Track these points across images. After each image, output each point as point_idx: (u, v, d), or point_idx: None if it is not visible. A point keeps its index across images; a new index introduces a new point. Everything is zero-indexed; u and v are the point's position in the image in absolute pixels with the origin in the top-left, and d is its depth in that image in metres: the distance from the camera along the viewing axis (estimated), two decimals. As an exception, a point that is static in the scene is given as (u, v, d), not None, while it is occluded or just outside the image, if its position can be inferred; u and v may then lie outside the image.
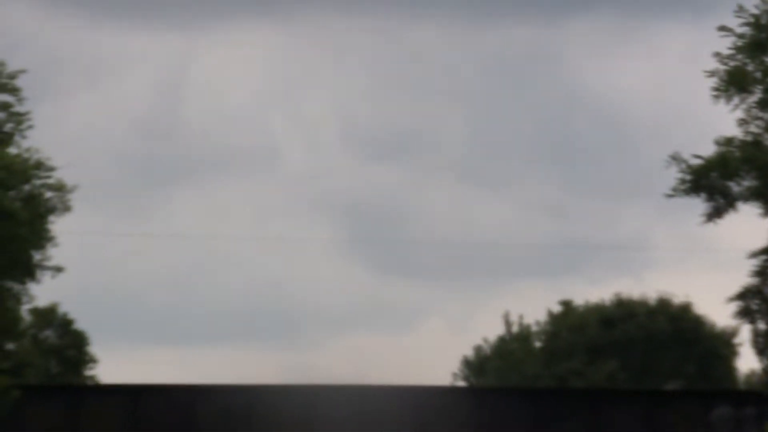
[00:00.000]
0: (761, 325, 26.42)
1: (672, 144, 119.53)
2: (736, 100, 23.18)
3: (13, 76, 33.05)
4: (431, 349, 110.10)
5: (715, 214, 23.72)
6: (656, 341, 74.74)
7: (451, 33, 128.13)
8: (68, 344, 64.70)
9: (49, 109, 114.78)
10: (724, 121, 23.37)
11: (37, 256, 33.41)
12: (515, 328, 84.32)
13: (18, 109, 33.21)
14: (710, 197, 23.64)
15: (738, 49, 23.02)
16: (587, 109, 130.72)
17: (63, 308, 64.79)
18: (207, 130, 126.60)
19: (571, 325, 78.02)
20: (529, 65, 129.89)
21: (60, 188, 33.26)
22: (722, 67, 23.06)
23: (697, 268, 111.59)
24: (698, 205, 23.66)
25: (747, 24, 22.91)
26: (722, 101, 23.19)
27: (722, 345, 76.24)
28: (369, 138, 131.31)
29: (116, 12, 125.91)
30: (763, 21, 22.78)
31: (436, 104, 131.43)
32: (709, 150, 23.46)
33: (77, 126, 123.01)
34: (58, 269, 33.76)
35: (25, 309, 38.02)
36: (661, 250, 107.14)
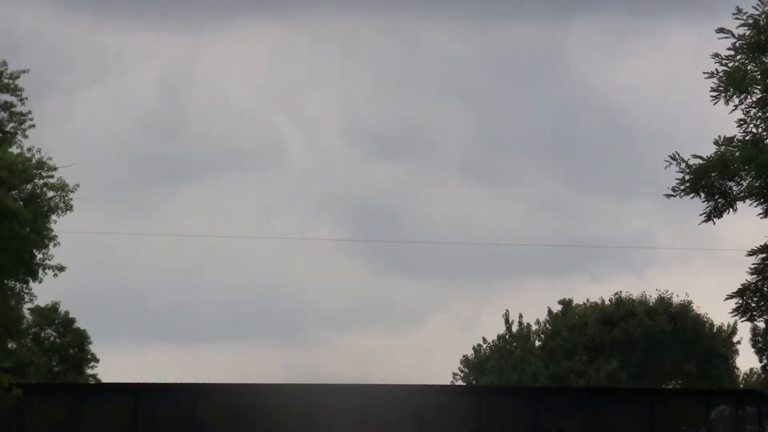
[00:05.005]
0: (760, 323, 26.52)
1: (676, 143, 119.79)
2: (735, 100, 23.25)
3: (15, 76, 33.16)
4: (433, 348, 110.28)
5: (714, 213, 23.79)
6: (656, 341, 74.82)
7: (456, 31, 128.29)
8: (69, 343, 64.79)
9: (53, 107, 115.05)
10: (729, 120, 23.47)
11: (38, 256, 33.53)
12: (515, 327, 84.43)
13: (20, 108, 33.35)
14: (710, 197, 23.68)
15: (737, 50, 23.10)
16: (591, 108, 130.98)
17: (64, 307, 64.95)
18: (211, 128, 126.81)
19: (571, 324, 78.11)
20: (534, 64, 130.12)
21: (61, 188, 33.38)
22: (721, 68, 23.14)
23: (699, 266, 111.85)
24: (700, 204, 23.72)
25: (745, 25, 22.99)
26: (722, 101, 23.26)
27: (722, 344, 76.36)
28: (373, 136, 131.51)
29: (121, 10, 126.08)
30: (762, 22, 22.87)
31: (440, 102, 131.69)
32: (713, 149, 23.54)
33: (81, 124, 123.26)
34: (60, 268, 33.88)
35: (26, 308, 38.21)
36: (663, 249, 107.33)
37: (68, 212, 33.72)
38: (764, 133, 23.52)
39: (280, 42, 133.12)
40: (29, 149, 33.20)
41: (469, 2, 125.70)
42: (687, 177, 23.38)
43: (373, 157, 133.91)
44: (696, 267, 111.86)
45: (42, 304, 60.66)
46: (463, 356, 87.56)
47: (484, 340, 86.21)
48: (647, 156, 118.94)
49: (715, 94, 23.23)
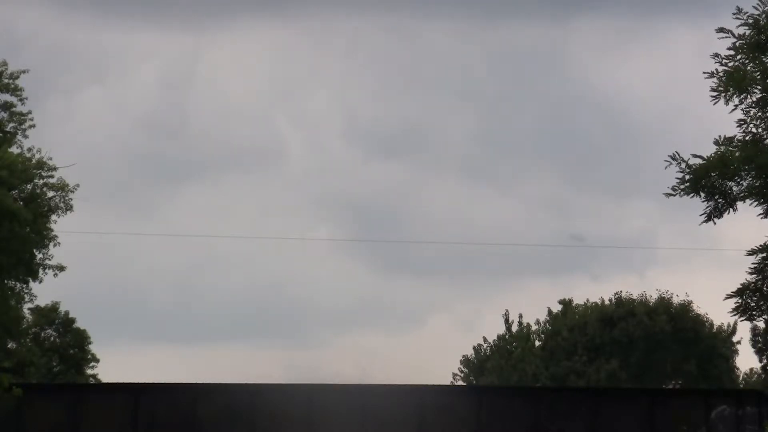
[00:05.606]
0: (760, 323, 26.51)
1: (676, 143, 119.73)
2: (735, 100, 23.25)
3: (15, 76, 33.13)
4: (433, 348, 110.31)
5: (714, 213, 23.80)
6: (656, 341, 74.82)
7: (456, 31, 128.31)
8: (69, 343, 64.81)
9: (53, 107, 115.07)
10: (729, 120, 23.48)
11: (38, 256, 33.52)
12: (515, 327, 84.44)
13: (20, 108, 33.32)
14: (710, 197, 23.69)
15: (737, 49, 23.10)
16: (591, 108, 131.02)
17: (64, 307, 64.97)
18: (211, 128, 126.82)
19: (571, 324, 78.11)
20: (534, 64, 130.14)
21: (61, 188, 33.36)
22: (721, 68, 23.14)
23: (699, 266, 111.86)
24: (700, 204, 23.73)
25: (745, 25, 23.00)
26: (722, 101, 23.26)
27: (722, 344, 76.38)
28: (373, 136, 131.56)
29: (121, 10, 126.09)
30: (762, 22, 22.88)
31: (441, 102, 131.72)
32: (713, 149, 23.54)
33: (81, 124, 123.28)
34: (60, 268, 33.85)
35: (26, 308, 38.19)
36: (663, 249, 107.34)
37: (68, 212, 33.71)
38: (764, 133, 23.52)
39: (281, 42, 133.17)
40: (29, 149, 33.17)
41: (469, 2, 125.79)
42: (687, 177, 23.38)
43: (373, 157, 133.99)
44: (696, 267, 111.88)
45: (42, 304, 60.68)
46: (463, 356, 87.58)
47: (485, 340, 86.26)
48: (647, 156, 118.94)
49: (715, 94, 23.23)
